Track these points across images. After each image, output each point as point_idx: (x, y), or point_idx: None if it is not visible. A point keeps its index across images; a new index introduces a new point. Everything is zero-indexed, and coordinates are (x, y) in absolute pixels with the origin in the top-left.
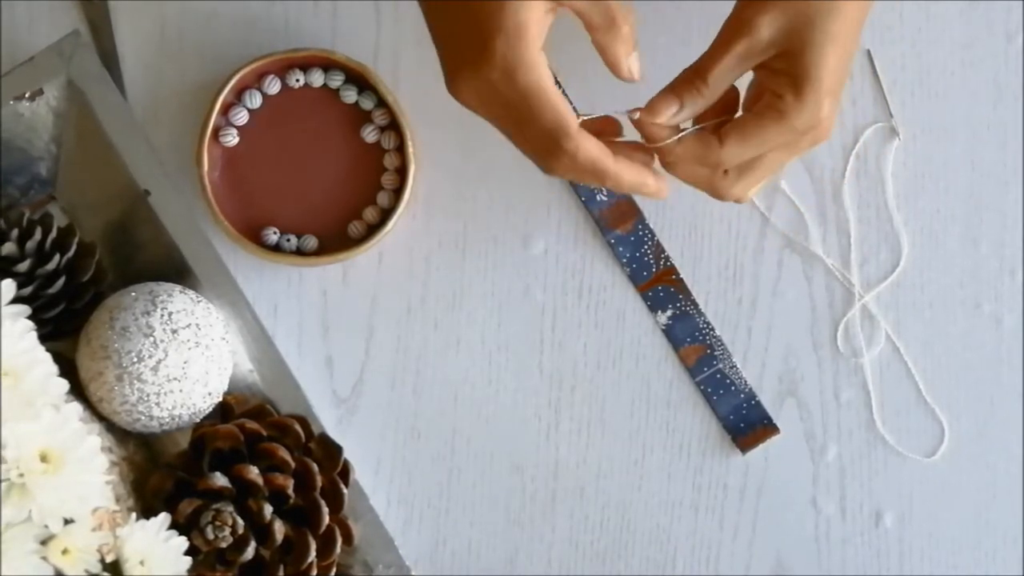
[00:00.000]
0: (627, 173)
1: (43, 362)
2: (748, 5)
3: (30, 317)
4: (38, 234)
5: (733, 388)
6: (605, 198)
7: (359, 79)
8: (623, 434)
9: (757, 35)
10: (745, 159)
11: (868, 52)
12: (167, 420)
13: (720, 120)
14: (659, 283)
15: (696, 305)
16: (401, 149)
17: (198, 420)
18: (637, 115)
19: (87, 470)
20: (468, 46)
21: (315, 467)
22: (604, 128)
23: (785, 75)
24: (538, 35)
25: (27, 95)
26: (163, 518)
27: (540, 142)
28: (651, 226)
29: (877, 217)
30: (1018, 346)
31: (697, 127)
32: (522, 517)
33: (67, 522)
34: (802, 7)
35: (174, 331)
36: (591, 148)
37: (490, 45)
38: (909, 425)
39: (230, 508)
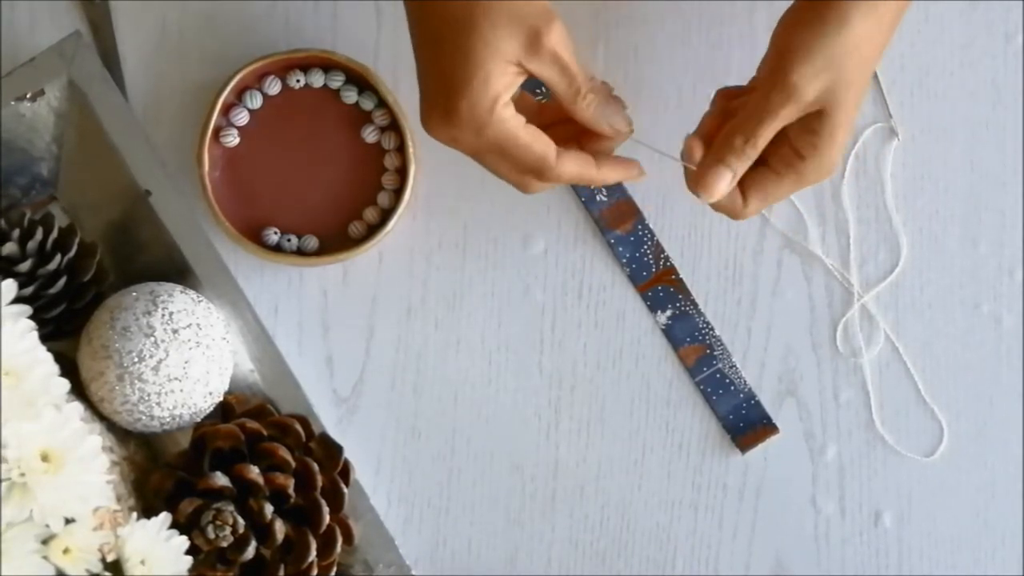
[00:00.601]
0: (611, 175)
1: (44, 362)
2: (794, 69)
3: (31, 317)
4: (39, 234)
5: (732, 388)
6: (605, 199)
7: (359, 80)
8: (623, 434)
9: (804, 100)
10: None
11: None
12: (168, 420)
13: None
14: (659, 283)
15: (696, 305)
16: (401, 149)
17: (199, 420)
18: (699, 196)
19: (88, 470)
20: (441, 97)
21: (315, 467)
22: None
23: (811, 134)
24: (505, 93)
25: (28, 95)
26: (164, 518)
27: (522, 177)
28: (651, 226)
29: (876, 217)
30: (1017, 346)
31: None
32: (522, 516)
33: (68, 522)
34: (842, 70)
35: (175, 331)
36: (572, 168)
37: (456, 103)
38: (908, 425)
39: (231, 508)
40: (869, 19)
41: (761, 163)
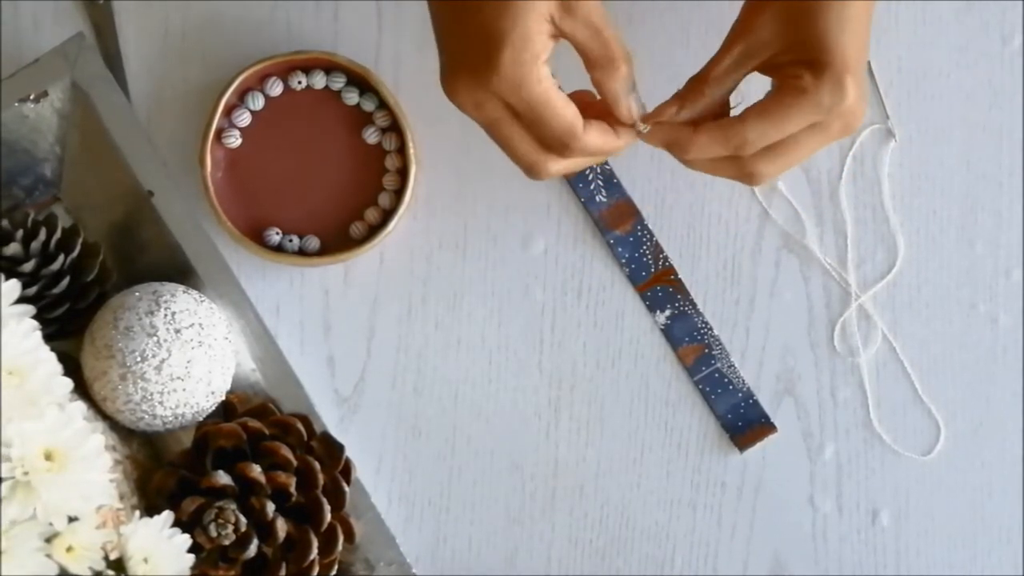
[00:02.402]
0: (629, 139)
1: (47, 361)
2: (746, 7)
3: (35, 317)
4: (43, 235)
5: (731, 387)
6: (604, 199)
7: (361, 81)
8: (622, 433)
9: (755, 35)
10: (771, 139)
11: None
12: (170, 419)
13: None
14: (658, 283)
15: (694, 305)
16: (402, 150)
17: (201, 419)
18: (643, 127)
19: (91, 468)
20: (473, 53)
21: (317, 465)
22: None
23: (798, 62)
24: (543, 52)
25: (32, 97)
26: (166, 516)
27: (540, 154)
28: (650, 227)
29: (873, 218)
30: (1013, 345)
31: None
32: (522, 515)
33: (71, 520)
34: (796, 3)
35: (177, 331)
36: (597, 139)
37: (496, 57)
38: (905, 424)
39: (233, 506)
40: None
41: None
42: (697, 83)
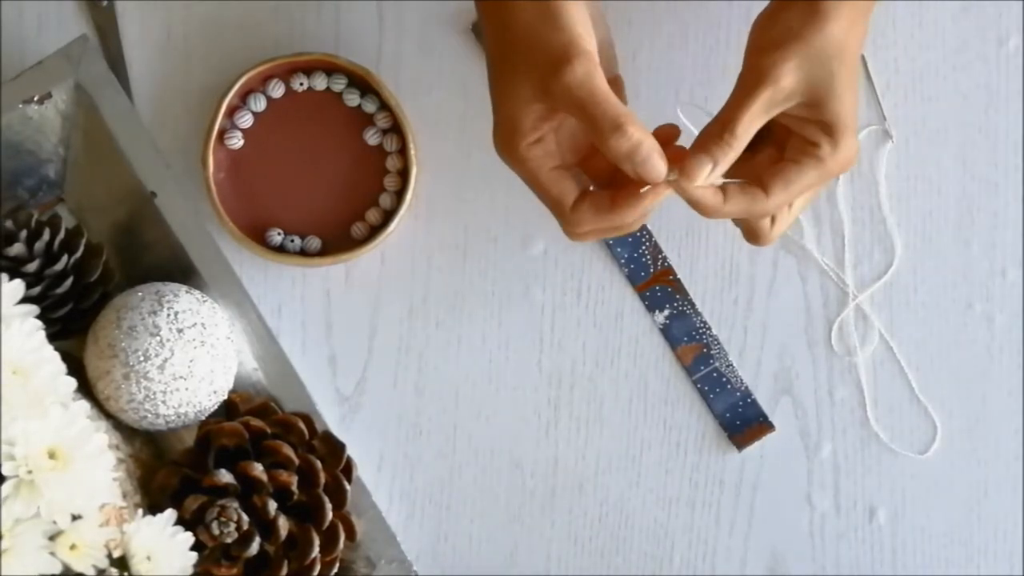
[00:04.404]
0: (628, 214)
1: (51, 361)
2: (766, 55)
3: (38, 316)
4: (46, 235)
5: (729, 386)
6: None
7: (362, 83)
8: (621, 431)
9: (779, 85)
10: (786, 204)
11: (862, 56)
12: (173, 418)
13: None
14: (657, 283)
15: (693, 305)
16: (403, 152)
17: (203, 418)
18: (673, 176)
19: (94, 467)
20: (493, 130)
21: (318, 464)
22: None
23: (815, 124)
24: (531, 133)
25: (36, 98)
26: (169, 514)
27: (553, 211)
28: (649, 227)
29: (871, 218)
30: (1009, 344)
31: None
32: (522, 513)
33: (75, 518)
34: (818, 53)
35: (180, 330)
36: (588, 215)
37: (496, 142)
38: (902, 423)
39: (235, 504)
40: (842, 11)
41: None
42: (721, 133)
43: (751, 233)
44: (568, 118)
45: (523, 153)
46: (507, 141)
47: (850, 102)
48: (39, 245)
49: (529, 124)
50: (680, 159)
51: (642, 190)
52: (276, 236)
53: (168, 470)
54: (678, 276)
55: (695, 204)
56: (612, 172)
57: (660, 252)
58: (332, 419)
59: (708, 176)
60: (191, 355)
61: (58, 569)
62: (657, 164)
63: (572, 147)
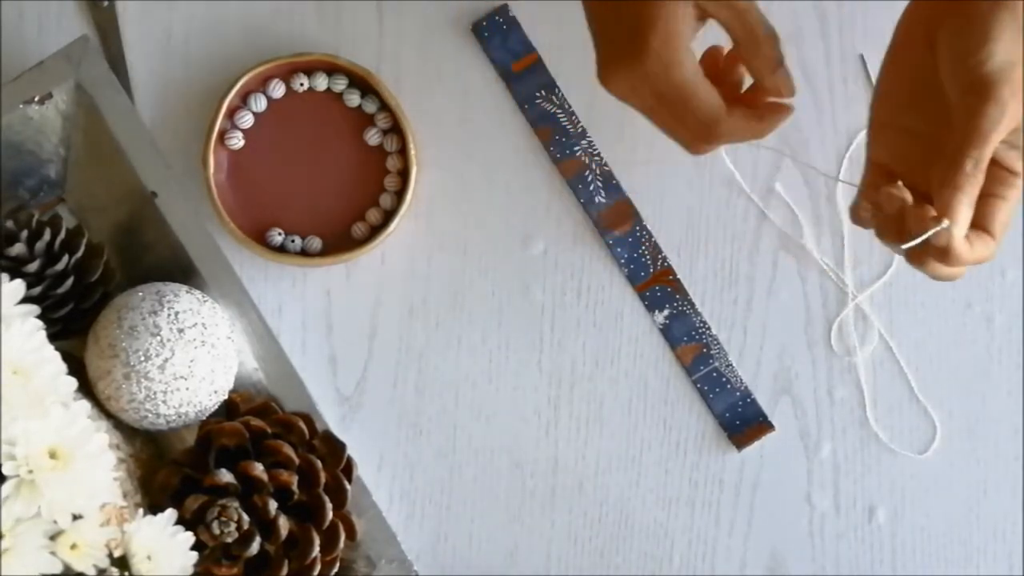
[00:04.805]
0: (773, 123)
1: (52, 361)
2: (1004, 85)
3: (39, 316)
4: (47, 235)
5: (729, 386)
6: (604, 200)
7: (362, 83)
8: (621, 431)
9: (1013, 116)
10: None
11: (861, 56)
12: (174, 417)
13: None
14: (656, 283)
15: (692, 305)
16: (403, 152)
17: (204, 417)
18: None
19: (95, 467)
20: (625, 42)
21: (319, 464)
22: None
23: (1014, 148)
24: (689, 36)
25: (37, 99)
26: (170, 514)
27: (695, 129)
28: (648, 227)
29: None
30: (1008, 344)
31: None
32: (522, 512)
33: (75, 518)
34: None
35: (180, 330)
36: (740, 126)
37: (646, 44)
38: (902, 423)
39: (235, 504)
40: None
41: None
42: (975, 172)
43: (950, 274)
44: None
45: (685, 57)
46: (667, 51)
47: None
48: (40, 245)
49: (688, 23)
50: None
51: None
52: (277, 236)
53: (169, 470)
54: (678, 276)
55: (949, 255)
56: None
57: (660, 252)
58: (332, 419)
59: (968, 212)
60: (192, 355)
61: (59, 569)
62: (792, 81)
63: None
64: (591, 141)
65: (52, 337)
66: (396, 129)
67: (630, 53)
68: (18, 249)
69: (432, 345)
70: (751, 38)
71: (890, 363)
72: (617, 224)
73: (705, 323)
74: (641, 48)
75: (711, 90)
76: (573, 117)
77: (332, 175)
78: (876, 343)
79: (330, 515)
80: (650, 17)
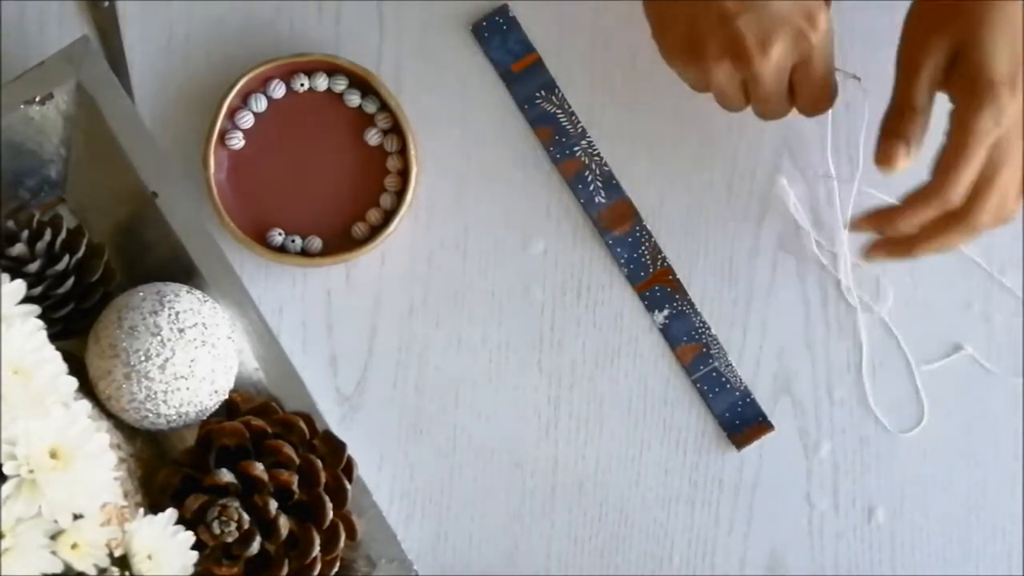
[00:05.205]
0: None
1: (52, 361)
2: (920, 26)
3: (40, 316)
4: (48, 235)
5: (728, 386)
6: (603, 200)
7: (362, 83)
8: (621, 431)
9: (935, 48)
10: (970, 183)
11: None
12: (174, 417)
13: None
14: (656, 283)
15: (692, 305)
16: (403, 152)
17: (205, 417)
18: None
19: (96, 466)
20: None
21: (319, 463)
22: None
23: (958, 80)
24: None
25: (37, 99)
26: (170, 513)
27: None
28: (648, 227)
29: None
30: (1008, 344)
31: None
32: (522, 512)
33: (76, 517)
34: (969, 11)
35: (181, 330)
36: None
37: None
38: (902, 423)
39: (236, 503)
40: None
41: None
42: (904, 111)
43: (963, 230)
44: None
45: (826, 25)
46: (813, 12)
47: (1004, 55)
48: (40, 245)
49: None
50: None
51: None
52: (277, 236)
53: (169, 469)
54: (677, 276)
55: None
56: None
57: (659, 252)
58: (333, 419)
59: (907, 158)
60: (192, 355)
61: (59, 568)
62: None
63: None
64: (591, 141)
65: (53, 337)
66: (396, 129)
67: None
68: (19, 249)
69: (432, 345)
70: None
71: (890, 362)
72: (617, 224)
73: (705, 323)
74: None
75: None
76: (573, 117)
77: (332, 175)
78: (876, 342)
79: (330, 515)
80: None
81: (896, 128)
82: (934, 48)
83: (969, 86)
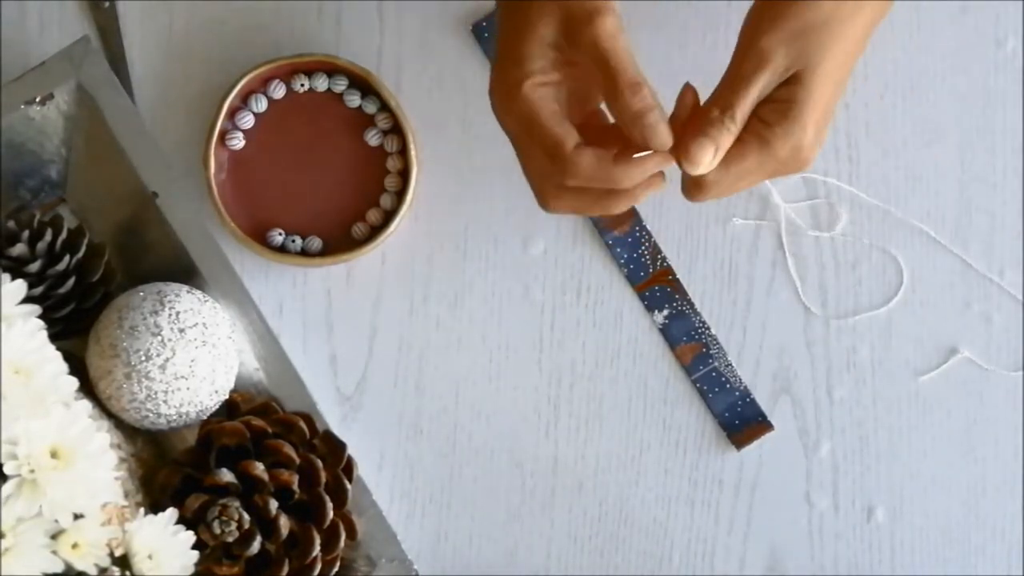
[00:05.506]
0: (630, 174)
1: (53, 360)
2: (763, 35)
3: (40, 316)
4: (48, 235)
5: (728, 386)
6: None
7: (362, 84)
8: (621, 431)
9: (775, 65)
10: (727, 185)
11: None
12: (175, 417)
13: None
14: (656, 283)
15: (692, 305)
16: (403, 152)
17: (205, 417)
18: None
19: (96, 466)
20: (493, 69)
21: (319, 463)
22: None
23: (779, 101)
24: (540, 74)
25: (38, 99)
26: (171, 513)
27: (540, 166)
28: (648, 228)
29: (869, 219)
30: (1007, 343)
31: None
32: (522, 512)
33: (77, 517)
34: (808, 26)
35: (181, 330)
36: (590, 161)
37: (496, 77)
38: (902, 422)
39: (236, 503)
40: None
41: None
42: (722, 118)
43: (688, 188)
44: (574, 79)
45: (527, 92)
46: (513, 79)
47: (826, 90)
48: (41, 245)
49: (540, 65)
50: (680, 135)
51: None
52: (277, 236)
53: (170, 469)
54: (677, 276)
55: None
56: (604, 142)
57: (659, 252)
58: (333, 418)
59: (712, 162)
60: (192, 355)
61: (60, 568)
62: (664, 131)
63: (572, 108)
64: None
65: (53, 337)
66: (396, 129)
67: (490, 84)
68: (19, 249)
69: (432, 345)
70: (610, 83)
71: (889, 361)
72: (617, 224)
73: (704, 323)
74: (494, 81)
75: (557, 122)
76: None
77: (332, 175)
78: (876, 342)
79: (331, 514)
80: (506, 53)
81: (710, 132)
82: (775, 62)
83: (784, 111)
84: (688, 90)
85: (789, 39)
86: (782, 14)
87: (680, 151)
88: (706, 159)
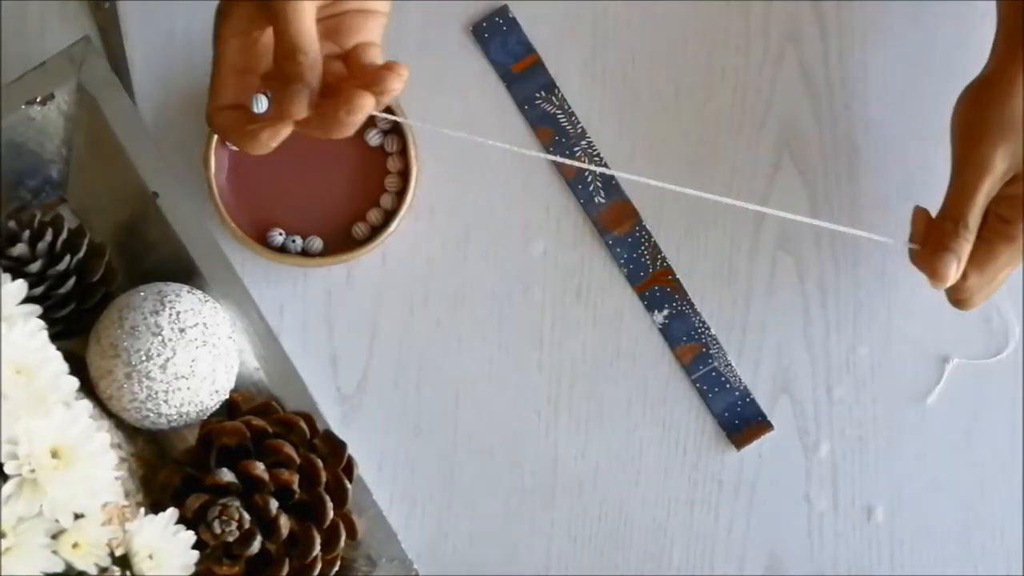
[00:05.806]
0: (260, 136)
1: (54, 360)
2: (982, 143)
3: (41, 316)
4: (49, 235)
5: (728, 386)
6: (603, 200)
7: None
8: (621, 431)
9: (996, 170)
10: (986, 284)
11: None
12: (175, 417)
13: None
14: (656, 283)
15: (692, 304)
16: (404, 152)
17: (205, 417)
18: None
19: (97, 466)
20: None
21: (320, 463)
22: None
23: (1009, 199)
24: (239, 21)
25: (39, 99)
26: (171, 513)
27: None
28: (648, 227)
29: (868, 219)
30: (1007, 343)
31: None
32: (522, 512)
33: (77, 517)
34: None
35: (182, 330)
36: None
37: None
38: (901, 422)
39: (237, 503)
40: None
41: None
42: (957, 229)
43: (955, 301)
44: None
45: (225, 33)
46: (222, 20)
47: None
48: (42, 245)
49: (241, 13)
50: (923, 257)
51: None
52: (278, 236)
53: (170, 469)
54: (677, 276)
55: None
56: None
57: (659, 252)
58: (333, 418)
59: (956, 272)
60: (193, 355)
61: (61, 568)
62: (300, 105)
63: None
64: (591, 141)
65: (54, 337)
66: (396, 130)
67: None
68: (20, 249)
69: (433, 345)
70: (278, 45)
71: (889, 360)
72: (616, 224)
73: (704, 323)
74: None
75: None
76: (573, 117)
77: (333, 176)
78: (876, 342)
79: (331, 514)
80: None
81: (949, 245)
82: (995, 167)
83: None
84: (919, 212)
85: (1003, 139)
86: (989, 116)
87: (928, 271)
88: (951, 272)
